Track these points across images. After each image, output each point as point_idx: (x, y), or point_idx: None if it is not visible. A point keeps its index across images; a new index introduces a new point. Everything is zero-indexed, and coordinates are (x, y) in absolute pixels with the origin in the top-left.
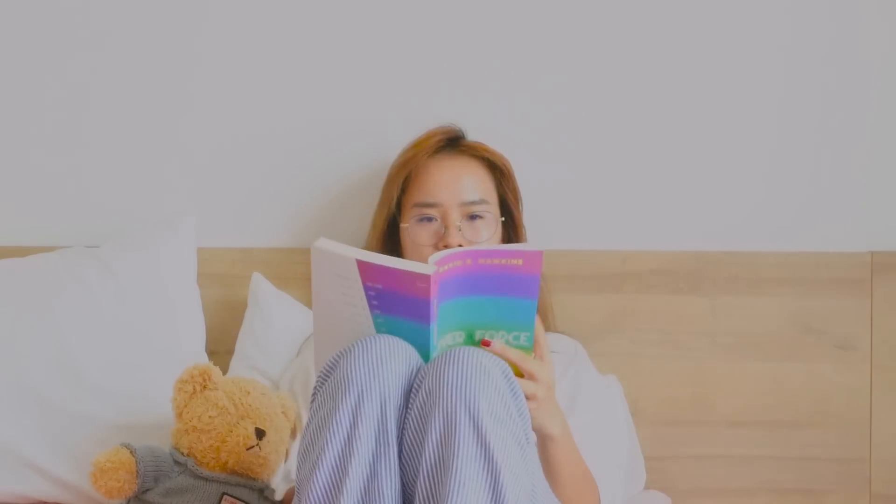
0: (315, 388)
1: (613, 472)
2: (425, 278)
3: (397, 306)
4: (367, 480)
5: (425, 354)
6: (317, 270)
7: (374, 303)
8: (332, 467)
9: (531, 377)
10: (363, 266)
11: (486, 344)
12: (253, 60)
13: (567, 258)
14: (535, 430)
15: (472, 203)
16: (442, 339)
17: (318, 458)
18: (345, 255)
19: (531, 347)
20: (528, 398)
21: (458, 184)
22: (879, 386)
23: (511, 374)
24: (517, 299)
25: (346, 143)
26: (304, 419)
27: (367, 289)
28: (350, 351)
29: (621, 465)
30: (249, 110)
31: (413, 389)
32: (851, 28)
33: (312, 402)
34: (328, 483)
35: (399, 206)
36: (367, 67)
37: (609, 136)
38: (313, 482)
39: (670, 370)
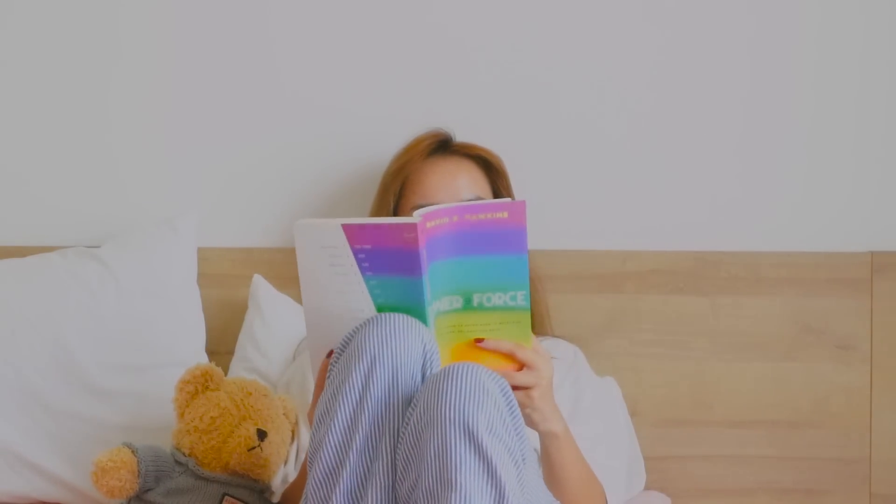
0: (331, 363)
1: (617, 476)
2: (412, 227)
3: (388, 264)
4: (376, 440)
5: (421, 310)
6: (302, 249)
7: (365, 265)
8: (344, 427)
9: (530, 367)
10: (349, 229)
11: (479, 341)
12: (253, 61)
13: (567, 258)
14: (536, 423)
15: (470, 201)
16: (438, 302)
17: (331, 421)
18: (329, 223)
19: (528, 307)
20: (529, 388)
21: (455, 183)
22: (879, 386)
23: (510, 391)
24: (508, 256)
25: (346, 143)
26: (302, 423)
27: (356, 252)
28: (364, 325)
29: (623, 468)
30: (249, 110)
31: (413, 403)
32: (851, 28)
33: (329, 376)
34: (339, 441)
35: (396, 211)
36: (367, 68)
37: (609, 136)
38: (326, 442)
39: (670, 370)
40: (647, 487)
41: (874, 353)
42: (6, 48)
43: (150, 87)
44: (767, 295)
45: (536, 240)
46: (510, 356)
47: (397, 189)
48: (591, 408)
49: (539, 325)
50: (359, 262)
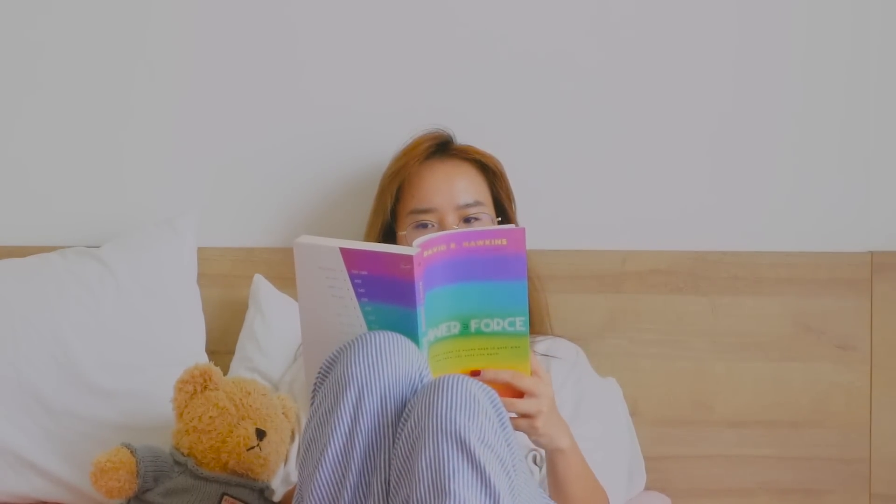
0: (315, 385)
1: (619, 478)
2: (408, 259)
3: (383, 292)
4: (368, 475)
5: (414, 341)
6: (301, 267)
7: (361, 290)
8: (335, 464)
9: (531, 394)
10: (347, 254)
11: (476, 374)
12: (253, 62)
13: (567, 258)
14: (543, 446)
15: (468, 206)
16: (435, 329)
17: (320, 455)
18: (328, 245)
19: (527, 332)
20: (531, 416)
21: (452, 187)
22: (879, 386)
23: (500, 403)
24: (506, 282)
25: (346, 142)
26: (303, 422)
27: (352, 277)
28: (349, 347)
29: (624, 468)
30: (249, 111)
31: (403, 417)
32: (851, 29)
33: (312, 399)
34: (331, 480)
35: (394, 214)
36: (367, 66)
37: (609, 136)
38: (316, 479)
39: (670, 370)
40: (647, 487)
41: (874, 353)
42: (6, 48)
43: (149, 88)
44: (767, 295)
45: (536, 240)
46: (509, 385)
47: (394, 192)
48: (593, 408)
49: (539, 325)
50: (355, 287)
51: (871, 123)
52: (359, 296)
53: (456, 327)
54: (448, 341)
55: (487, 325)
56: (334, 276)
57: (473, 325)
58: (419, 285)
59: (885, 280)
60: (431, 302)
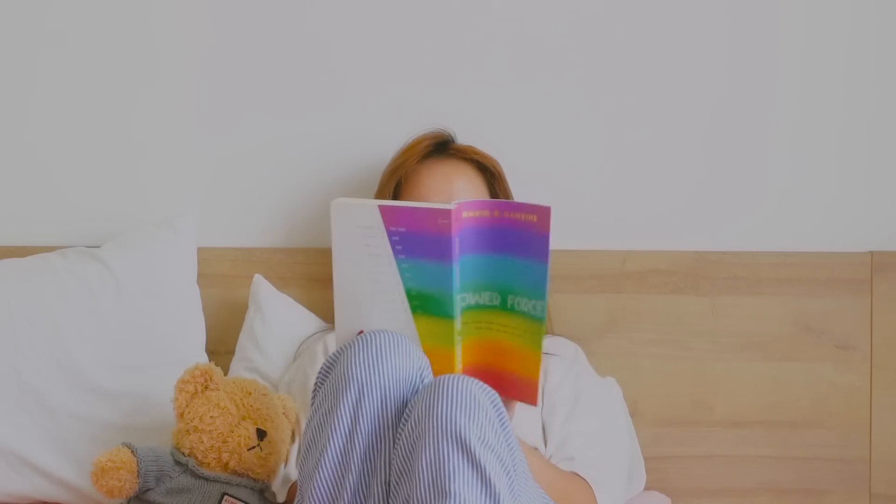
0: (315, 384)
1: (617, 475)
2: (446, 213)
3: (421, 248)
4: (368, 476)
5: (449, 296)
6: (338, 227)
7: (399, 247)
8: (334, 464)
9: None
10: (386, 211)
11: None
12: (253, 63)
13: (567, 258)
14: None
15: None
16: (473, 294)
17: (320, 456)
18: (366, 204)
19: (544, 318)
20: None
21: (450, 187)
22: (879, 386)
23: (500, 403)
24: (532, 262)
25: (346, 142)
26: (303, 423)
27: (390, 234)
28: (350, 347)
29: (623, 466)
30: (249, 111)
31: (403, 417)
32: (851, 29)
33: (313, 399)
34: (331, 480)
35: None
36: (365, 68)
37: (609, 136)
38: (316, 479)
39: (670, 370)
40: (648, 487)
41: (874, 353)
42: (6, 48)
43: (149, 88)
44: (767, 295)
45: None
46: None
47: (392, 189)
48: (591, 405)
49: None
50: (392, 244)
51: (871, 123)
52: (396, 253)
53: (497, 299)
54: (485, 311)
55: (519, 304)
56: (372, 234)
57: (510, 300)
58: (455, 240)
59: (885, 280)
60: (464, 266)
